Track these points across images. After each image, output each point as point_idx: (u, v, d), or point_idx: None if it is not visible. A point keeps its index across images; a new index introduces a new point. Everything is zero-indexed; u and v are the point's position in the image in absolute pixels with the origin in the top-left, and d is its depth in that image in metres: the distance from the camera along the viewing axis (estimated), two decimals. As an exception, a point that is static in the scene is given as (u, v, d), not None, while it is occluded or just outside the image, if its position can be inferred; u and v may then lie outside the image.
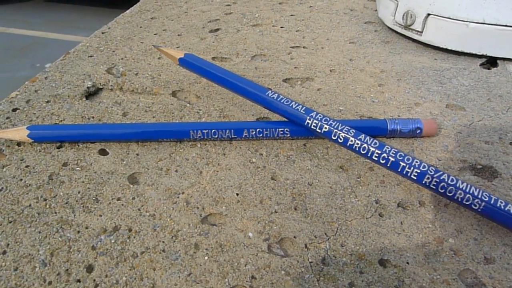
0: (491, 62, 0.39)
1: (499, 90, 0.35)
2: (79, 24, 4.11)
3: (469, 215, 0.23)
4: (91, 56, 0.38)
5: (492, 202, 0.22)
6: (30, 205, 0.24)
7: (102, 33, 0.43)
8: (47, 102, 0.32)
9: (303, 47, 0.39)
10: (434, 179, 0.23)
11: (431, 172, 0.23)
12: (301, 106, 0.26)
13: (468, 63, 0.38)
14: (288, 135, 0.27)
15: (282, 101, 0.27)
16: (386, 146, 0.24)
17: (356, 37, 0.42)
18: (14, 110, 0.32)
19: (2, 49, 3.68)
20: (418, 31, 0.39)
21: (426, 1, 0.38)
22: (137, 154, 0.27)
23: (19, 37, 3.90)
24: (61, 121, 0.30)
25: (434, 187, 0.23)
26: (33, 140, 0.28)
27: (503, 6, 0.36)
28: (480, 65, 0.38)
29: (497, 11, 0.36)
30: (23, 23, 4.12)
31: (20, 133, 0.28)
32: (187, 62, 0.30)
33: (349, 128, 0.25)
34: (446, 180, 0.23)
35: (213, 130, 0.27)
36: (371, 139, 0.25)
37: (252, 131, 0.27)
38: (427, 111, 0.31)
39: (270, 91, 0.27)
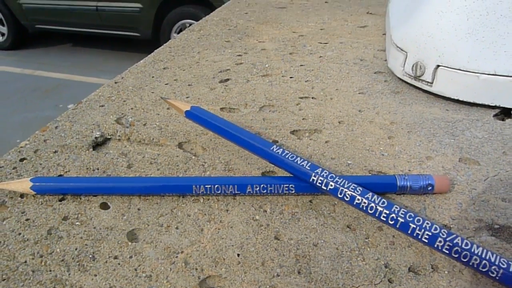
0: (505, 112, 0.38)
1: (515, 143, 0.33)
2: (102, 67, 4.28)
3: (486, 281, 0.22)
4: (102, 106, 0.39)
5: (511, 269, 0.21)
6: (25, 262, 0.23)
7: (115, 82, 0.44)
8: (55, 152, 0.32)
9: (312, 98, 0.39)
10: (447, 243, 0.22)
11: (443, 235, 0.22)
12: (306, 162, 0.26)
13: (481, 114, 0.37)
14: (293, 191, 0.27)
15: (287, 156, 0.26)
16: (395, 206, 0.23)
17: (366, 88, 0.41)
18: (22, 160, 0.32)
19: (29, 90, 3.84)
20: (428, 82, 0.39)
21: (435, 52, 0.37)
22: (138, 209, 0.27)
23: (45, 79, 4.06)
24: (66, 172, 0.30)
25: (447, 251, 0.22)
26: (35, 193, 0.27)
27: (515, 58, 0.35)
28: (494, 116, 0.37)
29: (508, 62, 0.35)
30: (50, 66, 4.31)
31: (23, 185, 0.27)
32: (193, 115, 0.30)
33: (356, 186, 0.24)
34: (460, 244, 0.21)
35: (216, 186, 0.26)
36: (379, 198, 0.24)
37: (256, 187, 0.26)
38: (439, 165, 0.30)
39: (275, 146, 0.27)
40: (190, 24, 3.35)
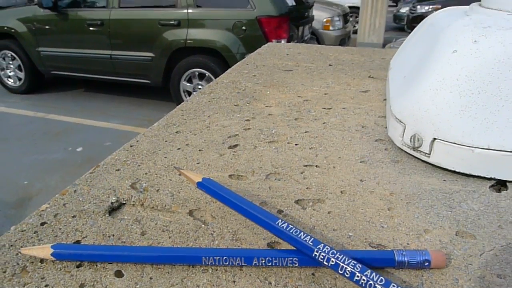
0: (501, 183, 0.40)
1: (509, 216, 0.35)
2: (112, 111, 4.39)
3: None
4: (118, 170, 0.41)
5: None
6: (44, 331, 0.24)
7: (131, 146, 0.47)
8: (73, 217, 0.35)
9: (316, 166, 0.42)
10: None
11: (438, 315, 0.23)
12: (309, 237, 0.28)
13: (477, 185, 0.39)
14: (297, 264, 0.28)
15: (291, 231, 0.28)
16: (393, 284, 0.25)
17: (367, 156, 0.44)
18: (42, 224, 0.34)
19: (40, 133, 3.92)
20: (426, 153, 0.41)
21: (431, 126, 0.40)
22: (151, 278, 0.28)
23: (57, 123, 4.17)
24: (84, 238, 0.32)
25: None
26: (55, 259, 0.29)
27: (507, 133, 0.38)
28: (490, 187, 0.39)
29: (500, 137, 0.38)
30: (62, 110, 4.44)
31: (45, 251, 0.29)
32: (204, 186, 0.33)
33: (356, 262, 0.26)
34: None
35: (224, 257, 0.28)
36: (378, 276, 0.25)
37: (262, 260, 0.28)
38: (436, 238, 0.32)
39: (280, 220, 0.29)
40: (199, 73, 3.46)
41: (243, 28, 3.73)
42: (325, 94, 0.62)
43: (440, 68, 0.41)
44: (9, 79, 4.80)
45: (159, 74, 4.05)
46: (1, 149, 3.57)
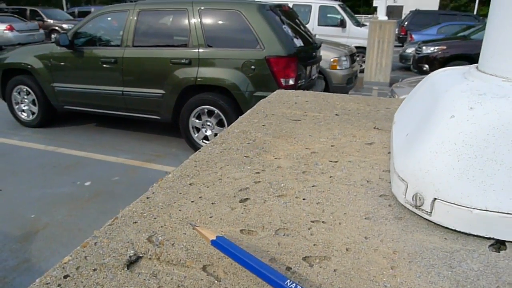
0: (501, 242, 0.42)
1: (508, 277, 0.37)
2: (121, 146, 4.46)
3: None
4: (135, 222, 0.44)
5: None
6: None
7: (147, 198, 0.49)
8: (94, 270, 0.37)
9: (322, 222, 0.44)
10: None
11: None
12: (316, 298, 0.30)
13: (477, 244, 0.41)
14: (304, 324, 0.30)
15: (299, 292, 0.30)
16: None
17: (372, 212, 0.46)
18: (65, 277, 0.36)
19: (50, 166, 3.98)
20: (427, 212, 0.43)
21: (432, 187, 0.42)
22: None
23: (66, 156, 4.23)
24: (104, 291, 0.34)
25: None
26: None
27: (503, 195, 0.40)
28: (490, 246, 0.41)
29: (497, 199, 0.40)
30: (72, 144, 4.51)
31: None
32: (218, 244, 0.35)
33: (359, 325, 0.28)
34: None
35: (236, 316, 0.30)
36: None
37: (272, 319, 0.30)
38: (437, 299, 0.34)
39: (289, 280, 0.31)
40: (208, 110, 3.52)
41: (252, 67, 3.83)
42: (331, 146, 0.65)
43: (439, 132, 0.43)
44: (23, 113, 4.92)
45: (169, 111, 4.13)
46: (11, 182, 3.62)
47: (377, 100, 0.96)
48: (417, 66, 8.15)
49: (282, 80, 3.84)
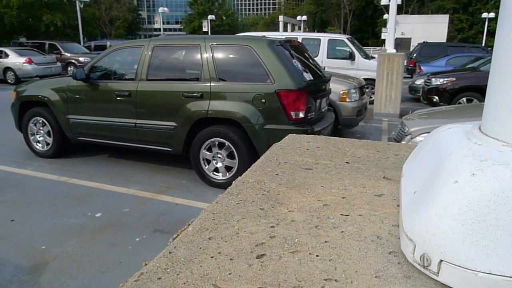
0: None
1: None
2: (132, 177, 4.51)
3: None
4: (159, 279, 0.47)
5: None
6: None
7: (169, 252, 0.53)
8: (123, 328, 0.40)
9: (335, 280, 0.46)
10: None
11: None
12: None
13: (483, 305, 0.43)
14: None
15: None
16: None
17: (382, 270, 0.48)
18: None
19: (61, 197, 4.04)
20: (434, 272, 0.46)
21: (438, 249, 0.45)
22: None
23: (78, 187, 4.29)
24: None
25: None
26: None
27: (506, 259, 0.42)
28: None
29: (500, 263, 0.42)
30: (84, 174, 4.58)
31: None
32: (239, 306, 0.38)
33: None
34: None
35: None
36: None
37: None
38: None
39: None
40: (219, 142, 3.56)
41: (263, 100, 3.91)
42: (343, 197, 0.68)
43: (444, 196, 0.46)
44: (38, 144, 5.03)
45: (180, 143, 4.20)
46: (23, 212, 3.67)
47: (386, 146, 1.00)
48: (427, 98, 8.19)
49: (292, 113, 3.90)
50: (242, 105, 3.93)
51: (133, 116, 4.38)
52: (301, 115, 3.95)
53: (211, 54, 4.13)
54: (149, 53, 4.37)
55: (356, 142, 1.02)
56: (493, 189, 0.44)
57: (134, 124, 4.38)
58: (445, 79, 8.11)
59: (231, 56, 4.14)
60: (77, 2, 22.37)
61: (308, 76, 4.16)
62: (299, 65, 4.17)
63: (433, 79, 8.27)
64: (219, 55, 4.11)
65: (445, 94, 7.81)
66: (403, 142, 3.91)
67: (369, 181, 0.75)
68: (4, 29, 24.75)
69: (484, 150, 0.49)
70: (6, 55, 13.47)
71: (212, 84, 4.07)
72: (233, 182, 0.75)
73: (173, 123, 4.20)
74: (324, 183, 0.74)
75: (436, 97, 7.99)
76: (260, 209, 0.64)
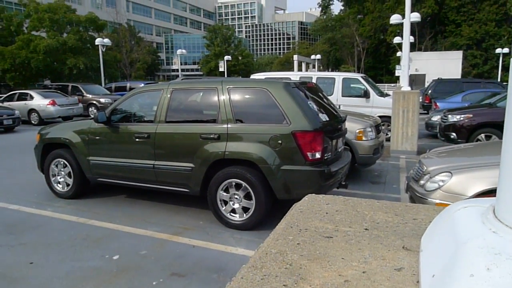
0: None
1: None
2: (150, 218, 4.54)
3: None
4: None
5: None
6: None
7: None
8: None
9: None
10: None
11: None
12: None
13: None
14: None
15: None
16: None
17: None
18: None
19: (80, 238, 4.08)
20: None
21: None
22: None
23: (97, 229, 4.33)
24: None
25: None
26: None
27: None
28: None
29: None
30: (103, 216, 4.63)
31: None
32: None
33: None
34: None
35: None
36: None
37: None
38: None
39: None
40: (236, 183, 3.59)
41: (279, 141, 3.95)
42: (363, 272, 0.69)
43: (462, 290, 0.48)
44: (58, 185, 5.15)
45: (198, 184, 4.24)
46: (43, 254, 3.71)
47: (404, 208, 1.01)
48: (444, 135, 8.13)
49: (309, 154, 3.93)
50: (259, 146, 3.98)
51: (151, 157, 4.47)
52: (318, 155, 3.97)
53: (228, 97, 4.23)
54: (168, 96, 4.50)
55: (375, 204, 1.03)
56: (507, 285, 0.45)
57: (152, 165, 4.46)
58: (462, 115, 8.08)
59: (247, 98, 4.24)
60: (99, 46, 23.38)
61: (323, 117, 4.21)
62: (315, 106, 4.23)
63: (449, 116, 8.24)
64: (236, 97, 4.21)
65: (462, 131, 7.76)
66: (421, 182, 3.88)
67: (388, 252, 0.77)
68: (30, 72, 25.86)
69: (499, 242, 0.50)
70: (31, 98, 14.05)
71: (229, 125, 4.15)
72: (256, 252, 0.77)
73: (191, 164, 4.26)
74: (344, 254, 0.76)
75: (454, 134, 7.93)
76: (284, 285, 0.66)
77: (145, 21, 62.82)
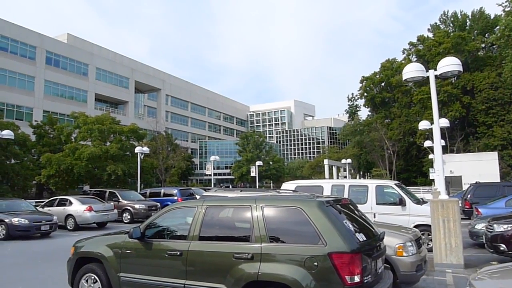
0: None
1: None
2: None
3: None
4: None
5: None
6: None
7: None
8: None
9: None
10: None
11: None
12: None
13: None
14: None
15: None
16: None
17: None
18: None
19: None
20: None
21: None
22: None
23: None
24: None
25: None
26: None
27: None
28: None
29: None
30: None
31: None
32: None
33: None
34: None
35: None
36: None
37: None
38: None
39: None
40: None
41: (315, 263, 3.76)
42: None
43: None
44: (86, 303, 4.98)
45: (230, 305, 3.99)
46: None
47: None
48: (492, 246, 7.52)
49: (347, 278, 3.68)
50: (294, 268, 3.79)
51: (182, 276, 4.32)
52: (357, 279, 3.71)
53: (261, 214, 4.17)
54: (203, 211, 4.49)
55: None
56: None
57: (183, 285, 4.28)
58: (510, 225, 7.54)
59: (281, 217, 4.17)
60: (138, 154, 24.62)
61: (361, 236, 4.02)
62: (350, 225, 4.07)
63: (495, 225, 7.71)
64: (270, 215, 4.15)
65: (512, 242, 7.18)
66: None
67: None
68: (72, 178, 27.20)
69: None
70: (70, 203, 14.49)
71: (262, 245, 4.02)
72: None
73: (223, 286, 4.07)
74: None
75: (503, 246, 7.33)
76: None
77: (182, 129, 66.60)
